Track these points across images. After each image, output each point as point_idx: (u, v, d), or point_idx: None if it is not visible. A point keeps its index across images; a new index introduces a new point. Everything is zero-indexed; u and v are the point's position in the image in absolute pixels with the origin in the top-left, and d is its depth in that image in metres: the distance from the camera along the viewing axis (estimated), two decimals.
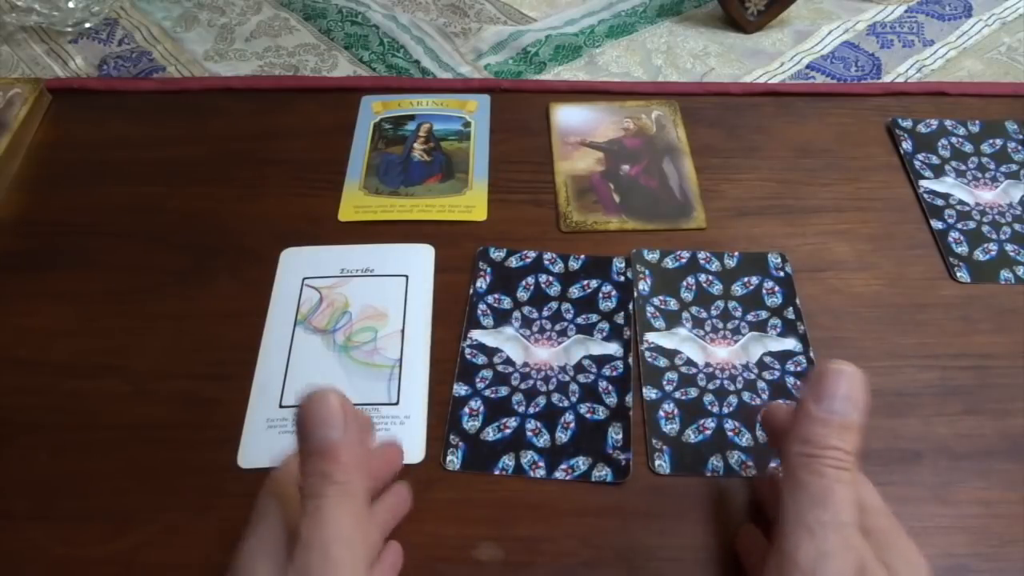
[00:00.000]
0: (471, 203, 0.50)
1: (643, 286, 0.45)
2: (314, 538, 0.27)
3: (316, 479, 0.28)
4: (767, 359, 0.43)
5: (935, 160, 0.52)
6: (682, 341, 0.43)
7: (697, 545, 0.36)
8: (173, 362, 0.42)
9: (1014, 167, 0.52)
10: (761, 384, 0.42)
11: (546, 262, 0.47)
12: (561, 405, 0.41)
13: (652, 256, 0.47)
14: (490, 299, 0.45)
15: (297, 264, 0.47)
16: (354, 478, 0.29)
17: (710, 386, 0.42)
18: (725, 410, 0.41)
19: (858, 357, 0.42)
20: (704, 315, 0.44)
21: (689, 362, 0.42)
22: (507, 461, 0.39)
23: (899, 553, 0.29)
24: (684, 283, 0.46)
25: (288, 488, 0.31)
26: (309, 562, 0.27)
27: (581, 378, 0.42)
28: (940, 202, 0.50)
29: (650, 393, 0.41)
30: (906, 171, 0.52)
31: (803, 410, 0.29)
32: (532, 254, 0.47)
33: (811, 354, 0.43)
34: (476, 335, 0.44)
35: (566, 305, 0.45)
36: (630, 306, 0.45)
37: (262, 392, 0.41)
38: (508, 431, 0.40)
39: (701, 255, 0.47)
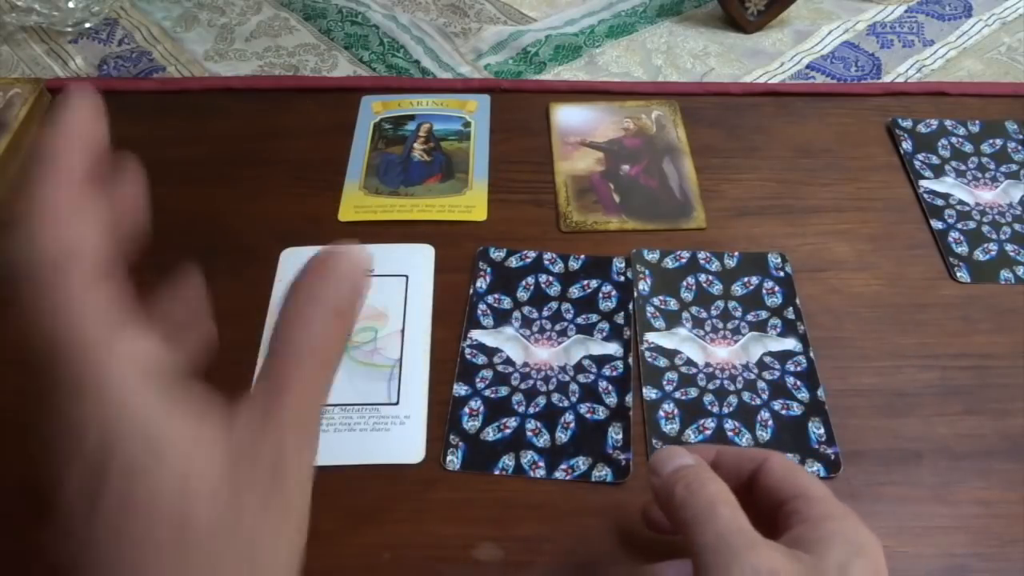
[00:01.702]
0: (471, 203, 0.50)
1: (643, 286, 0.45)
2: (301, 411, 0.21)
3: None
4: (767, 359, 0.43)
5: (935, 160, 0.52)
6: (682, 341, 0.43)
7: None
8: None
9: (1014, 167, 0.52)
10: (761, 384, 0.42)
11: (546, 262, 0.47)
12: (561, 405, 0.41)
13: (652, 256, 0.47)
14: (490, 299, 0.45)
15: (297, 264, 0.46)
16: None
17: (710, 386, 0.42)
18: (725, 410, 0.41)
19: (858, 357, 0.43)
20: (704, 315, 0.44)
21: (689, 362, 0.42)
22: (507, 461, 0.39)
23: (839, 533, 0.28)
24: (684, 283, 0.46)
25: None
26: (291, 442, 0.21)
27: (581, 378, 0.42)
28: (940, 202, 0.50)
29: (650, 393, 0.41)
30: (906, 171, 0.52)
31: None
32: (532, 254, 0.47)
33: (811, 354, 0.43)
34: (476, 335, 0.44)
35: (566, 305, 0.45)
36: (630, 306, 0.45)
37: None
38: (508, 431, 0.40)
39: (701, 255, 0.47)
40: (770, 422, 0.40)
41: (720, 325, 0.44)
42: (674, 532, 0.33)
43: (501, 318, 0.44)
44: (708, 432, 0.40)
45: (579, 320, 0.44)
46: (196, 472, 0.19)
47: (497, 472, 0.39)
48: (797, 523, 0.28)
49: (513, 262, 0.47)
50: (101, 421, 0.19)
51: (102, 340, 0.19)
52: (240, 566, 0.19)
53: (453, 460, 0.39)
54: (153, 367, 0.20)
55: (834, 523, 0.28)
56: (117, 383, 0.19)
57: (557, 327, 0.44)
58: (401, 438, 0.39)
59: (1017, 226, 0.49)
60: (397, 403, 0.41)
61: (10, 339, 0.19)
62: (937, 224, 0.49)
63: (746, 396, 0.41)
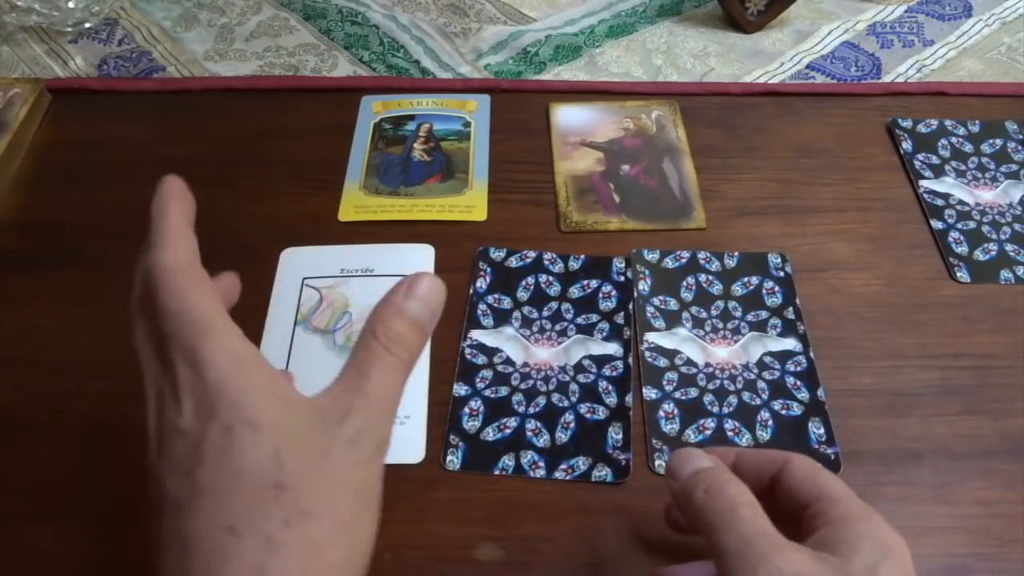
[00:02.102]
0: (471, 203, 0.50)
1: (643, 286, 0.45)
2: (382, 391, 0.26)
3: (399, 338, 0.26)
4: (767, 359, 0.43)
5: (935, 160, 0.52)
6: (682, 341, 0.43)
7: (697, 545, 0.36)
8: None
9: (1014, 167, 0.52)
10: (761, 384, 0.42)
11: (546, 262, 0.47)
12: (561, 405, 0.41)
13: (652, 256, 0.47)
14: (490, 299, 0.45)
15: (297, 264, 0.47)
16: (417, 360, 0.27)
17: (710, 386, 0.42)
18: (725, 410, 0.41)
19: (858, 357, 0.43)
20: (704, 315, 0.44)
21: (689, 362, 0.42)
22: (507, 461, 0.39)
23: (866, 534, 0.27)
24: (684, 283, 0.46)
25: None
26: (374, 412, 0.26)
27: (581, 378, 0.42)
28: (940, 202, 0.50)
29: (650, 393, 0.41)
30: (906, 171, 0.52)
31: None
32: (532, 254, 0.47)
33: (811, 354, 0.43)
34: (476, 335, 0.44)
35: (566, 305, 0.45)
36: (630, 306, 0.45)
37: None
38: (508, 431, 0.40)
39: (701, 255, 0.47)
40: (770, 422, 0.40)
41: (720, 325, 0.44)
42: (696, 532, 0.33)
43: (501, 318, 0.44)
44: (708, 432, 0.40)
45: (579, 320, 0.44)
46: (288, 438, 0.24)
47: (497, 472, 0.39)
48: (822, 525, 0.28)
49: (513, 262, 0.47)
50: (208, 386, 0.24)
51: (219, 318, 0.25)
52: (331, 515, 0.24)
53: (453, 460, 0.39)
54: (248, 348, 0.26)
55: (860, 524, 0.27)
56: (225, 352, 0.25)
57: (557, 327, 0.44)
58: (401, 438, 0.39)
59: (1017, 226, 0.49)
60: None
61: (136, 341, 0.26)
62: (937, 224, 0.49)
63: (746, 396, 0.41)
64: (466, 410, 0.41)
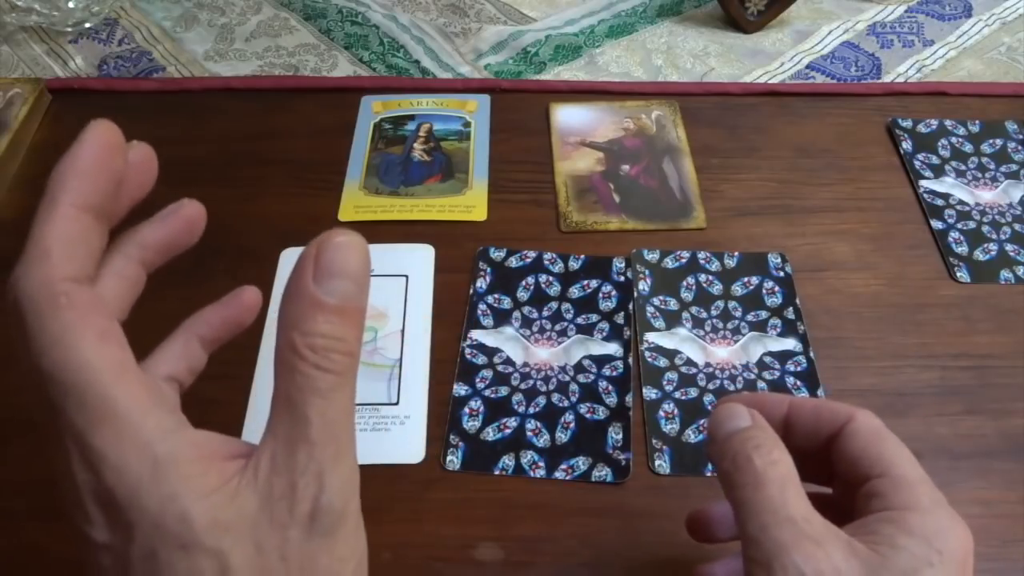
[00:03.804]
0: (471, 203, 0.50)
1: (643, 286, 0.45)
2: (328, 432, 0.19)
3: (327, 343, 0.20)
4: (767, 359, 0.43)
5: (935, 160, 0.52)
6: (682, 341, 0.43)
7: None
8: None
9: (1014, 167, 0.52)
10: (761, 384, 0.42)
11: (546, 262, 0.47)
12: (561, 405, 0.41)
13: (652, 256, 0.47)
14: (490, 299, 0.45)
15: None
16: (360, 352, 0.21)
17: (710, 386, 0.42)
18: None
19: (858, 357, 0.43)
20: (704, 315, 0.44)
21: (689, 362, 0.42)
22: (507, 461, 0.39)
23: (918, 532, 0.23)
24: (684, 283, 0.46)
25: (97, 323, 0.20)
26: (326, 467, 0.19)
27: (581, 378, 0.42)
28: (940, 202, 0.50)
29: (650, 393, 0.41)
30: (906, 171, 0.52)
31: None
32: (532, 254, 0.47)
33: (811, 354, 0.43)
34: (476, 335, 0.44)
35: (566, 305, 0.45)
36: (630, 306, 0.45)
37: (262, 392, 0.41)
38: (508, 431, 0.40)
39: (701, 255, 0.47)
40: None
41: (720, 325, 0.44)
42: (717, 540, 0.31)
43: (501, 318, 0.44)
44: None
45: (579, 320, 0.44)
46: (234, 549, 0.18)
47: (497, 472, 0.39)
48: (877, 508, 0.24)
49: (513, 262, 0.47)
50: (114, 496, 0.18)
51: (118, 381, 0.19)
52: None
53: (453, 460, 0.39)
54: (162, 407, 0.19)
55: (916, 517, 0.23)
56: (131, 444, 0.18)
57: (557, 327, 0.44)
58: (401, 438, 0.39)
59: (1017, 226, 0.49)
60: (397, 403, 0.41)
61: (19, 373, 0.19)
62: (937, 224, 0.49)
63: None
64: (466, 410, 0.41)
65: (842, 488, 0.25)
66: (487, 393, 0.41)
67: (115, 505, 0.18)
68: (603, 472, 0.38)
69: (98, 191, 0.21)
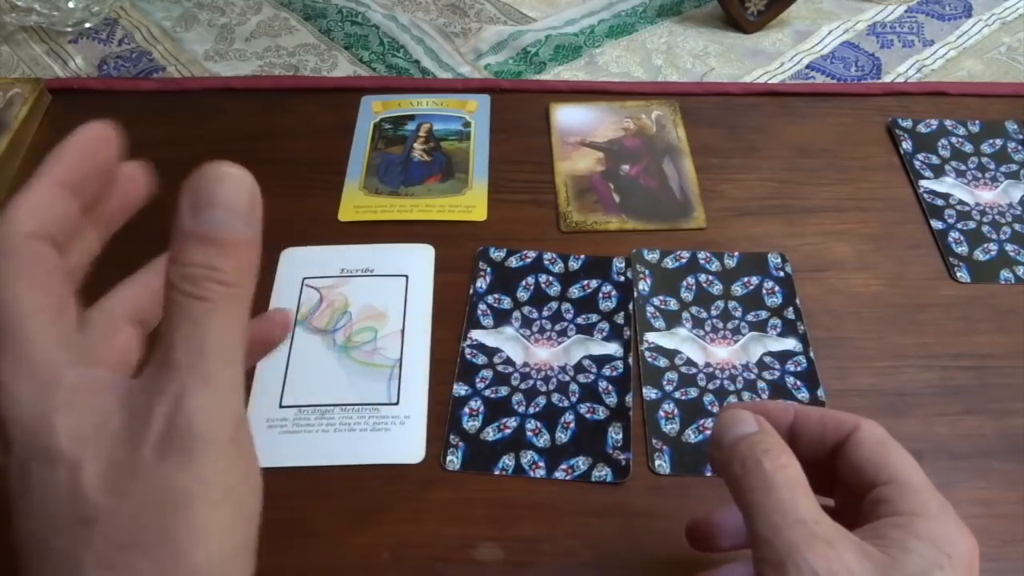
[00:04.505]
0: (471, 203, 0.50)
1: (643, 286, 0.45)
2: (194, 356, 0.20)
3: (199, 272, 0.20)
4: (767, 359, 0.43)
5: (935, 160, 0.52)
6: (682, 341, 0.43)
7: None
8: None
9: (1014, 167, 0.52)
10: (761, 384, 0.42)
11: (546, 262, 0.47)
12: (561, 405, 0.41)
13: (652, 256, 0.47)
14: (490, 299, 0.45)
15: (297, 264, 0.47)
16: (248, 284, 0.21)
17: (710, 386, 0.42)
18: None
19: (858, 357, 0.43)
20: (704, 315, 0.44)
21: (689, 362, 0.42)
22: (507, 461, 0.39)
23: (926, 536, 0.24)
24: (684, 283, 0.46)
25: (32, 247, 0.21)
26: (188, 388, 0.20)
27: (581, 378, 0.42)
28: (940, 202, 0.50)
29: (650, 393, 0.41)
30: (906, 171, 0.52)
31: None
32: (532, 254, 0.47)
33: (811, 354, 0.43)
34: (476, 335, 0.44)
35: (566, 305, 0.45)
36: (630, 306, 0.45)
37: (262, 392, 0.41)
38: (508, 431, 0.40)
39: (701, 255, 0.47)
40: None
41: (720, 325, 0.44)
42: (718, 549, 0.31)
43: (501, 318, 0.44)
44: (708, 432, 0.40)
45: (579, 320, 0.44)
46: (89, 461, 0.19)
47: (497, 472, 0.39)
48: (884, 514, 0.24)
49: (513, 262, 0.47)
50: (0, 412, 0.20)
51: (32, 317, 0.21)
52: (152, 535, 0.19)
53: (453, 460, 0.39)
54: (69, 346, 0.21)
55: (924, 522, 0.24)
56: (25, 366, 0.20)
57: (557, 327, 0.44)
58: (401, 438, 0.39)
59: (1017, 226, 0.49)
60: (397, 403, 0.41)
61: None
62: (937, 224, 0.49)
63: (746, 396, 0.41)
64: (466, 410, 0.41)
65: (845, 498, 0.25)
66: (487, 393, 0.41)
67: (4, 425, 0.20)
68: (603, 472, 0.38)
69: (76, 168, 0.23)
